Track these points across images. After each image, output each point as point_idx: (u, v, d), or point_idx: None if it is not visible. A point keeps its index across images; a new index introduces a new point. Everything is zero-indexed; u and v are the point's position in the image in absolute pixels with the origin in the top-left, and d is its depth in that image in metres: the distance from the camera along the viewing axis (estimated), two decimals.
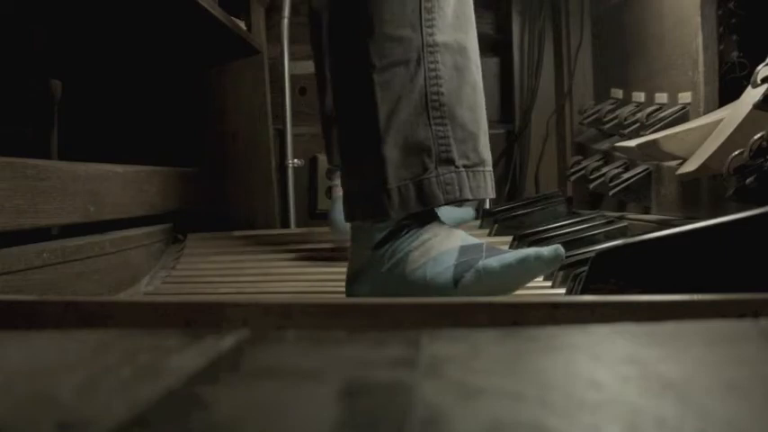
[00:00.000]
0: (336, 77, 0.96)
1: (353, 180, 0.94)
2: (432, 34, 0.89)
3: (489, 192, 0.93)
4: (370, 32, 0.89)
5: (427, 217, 0.92)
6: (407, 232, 0.91)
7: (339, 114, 0.96)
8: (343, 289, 1.04)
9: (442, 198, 0.89)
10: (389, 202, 0.89)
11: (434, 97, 0.89)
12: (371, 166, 0.90)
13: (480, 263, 0.84)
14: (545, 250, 0.84)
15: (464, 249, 0.88)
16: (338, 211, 1.19)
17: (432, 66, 0.89)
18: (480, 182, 0.91)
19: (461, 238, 0.90)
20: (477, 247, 0.88)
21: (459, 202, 0.92)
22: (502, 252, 0.86)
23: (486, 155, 0.94)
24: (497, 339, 0.41)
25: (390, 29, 0.89)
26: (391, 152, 0.89)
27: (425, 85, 0.89)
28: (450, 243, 0.89)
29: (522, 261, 0.83)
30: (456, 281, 0.85)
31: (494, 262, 0.84)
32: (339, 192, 1.26)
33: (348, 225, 0.98)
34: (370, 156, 0.90)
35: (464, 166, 0.90)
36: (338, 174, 1.34)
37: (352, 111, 0.93)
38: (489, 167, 0.94)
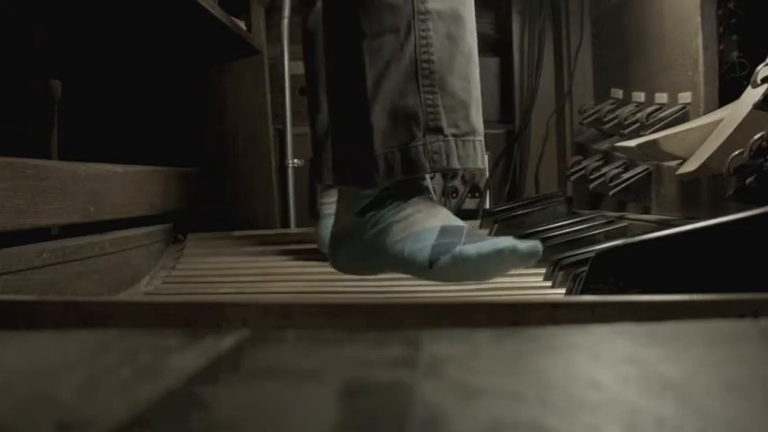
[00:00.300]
0: (327, 45, 0.96)
1: (341, 146, 0.93)
2: (423, 2, 0.88)
3: (478, 161, 0.91)
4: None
5: (413, 188, 0.91)
6: (392, 203, 0.90)
7: (329, 81, 0.96)
8: (344, 289, 1.04)
9: (428, 166, 0.88)
10: (375, 170, 0.88)
11: (424, 65, 0.88)
12: (358, 133, 0.89)
13: (458, 248, 0.84)
14: (522, 245, 0.84)
15: (445, 230, 0.87)
16: (325, 228, 1.20)
17: (423, 33, 0.88)
18: (470, 151, 0.90)
19: (445, 217, 0.89)
20: (459, 229, 0.87)
21: (450, 172, 0.92)
22: (481, 239, 0.86)
23: (478, 124, 0.92)
24: (497, 339, 0.41)
25: None
26: (378, 119, 0.88)
27: (415, 53, 0.88)
28: (432, 221, 0.88)
29: (499, 252, 0.83)
30: (431, 262, 0.85)
31: (471, 249, 0.83)
32: (327, 209, 1.26)
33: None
34: (357, 122, 0.89)
35: (453, 135, 0.89)
36: (329, 193, 1.33)
37: (341, 77, 0.93)
38: (480, 137, 0.92)
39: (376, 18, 0.88)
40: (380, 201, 0.90)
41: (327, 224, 1.13)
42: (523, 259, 0.84)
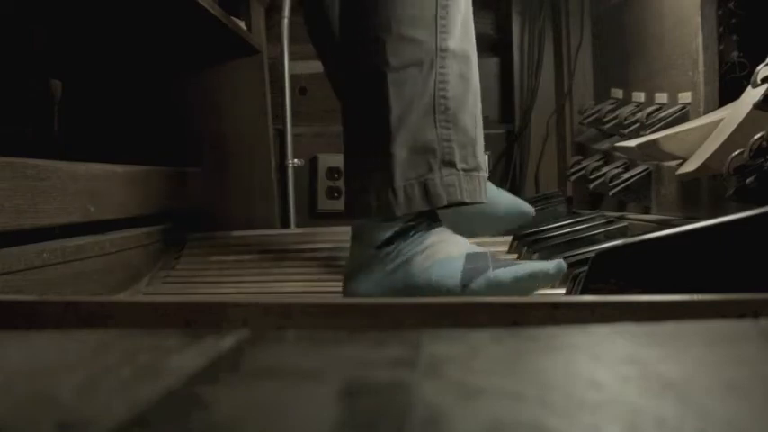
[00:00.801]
0: (348, 74, 0.97)
1: (358, 178, 0.94)
2: (444, 40, 0.91)
3: (482, 196, 0.95)
4: (387, 31, 0.90)
5: (433, 221, 0.93)
6: (414, 234, 0.92)
7: (347, 111, 0.97)
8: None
9: (445, 198, 0.91)
10: (395, 201, 0.90)
11: (442, 101, 0.91)
12: (379, 165, 0.91)
13: (491, 272, 0.86)
14: (551, 267, 0.87)
15: (470, 256, 0.90)
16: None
17: (442, 70, 0.91)
18: (476, 186, 0.93)
19: (467, 245, 0.92)
20: (483, 255, 0.90)
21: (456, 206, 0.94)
22: (508, 263, 0.88)
23: (482, 161, 0.96)
24: (497, 339, 0.41)
25: (407, 29, 0.90)
26: (400, 151, 0.90)
27: (435, 89, 0.91)
28: (456, 249, 0.91)
29: (532, 276, 0.86)
30: (464, 285, 0.86)
31: (504, 274, 0.86)
32: None
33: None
34: (378, 154, 0.91)
35: (463, 170, 0.92)
36: None
37: (363, 108, 0.95)
38: (485, 173, 0.96)
39: (401, 51, 0.91)
40: (400, 234, 0.92)
41: None
42: (553, 278, 0.88)
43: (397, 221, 0.92)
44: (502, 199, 1.26)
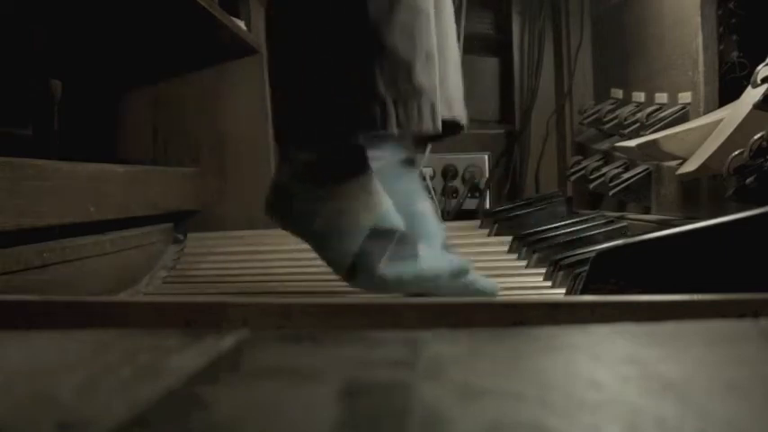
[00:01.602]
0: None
1: (281, 103, 0.90)
2: None
3: (425, 124, 0.85)
4: None
5: (353, 166, 0.87)
6: (328, 183, 0.86)
7: (273, 37, 0.93)
8: (344, 288, 1.04)
9: (362, 131, 0.84)
10: (310, 130, 0.85)
11: (358, 24, 0.83)
12: (298, 94, 0.86)
13: (377, 272, 0.83)
14: (447, 270, 0.85)
15: (374, 235, 0.84)
16: None
17: None
18: (412, 113, 0.84)
19: (377, 214, 0.85)
20: (388, 235, 0.84)
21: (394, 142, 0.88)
22: (406, 256, 0.84)
23: (423, 83, 0.85)
24: (497, 339, 0.41)
25: None
26: (316, 82, 0.85)
27: (350, 13, 0.83)
28: (361, 218, 0.84)
29: (418, 280, 0.83)
30: (349, 273, 0.84)
31: (390, 275, 0.83)
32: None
33: None
34: (297, 82, 0.86)
35: (392, 98, 0.83)
36: None
37: (286, 32, 0.90)
38: (429, 98, 0.86)
39: None
40: (321, 171, 0.86)
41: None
42: (448, 283, 0.85)
43: (316, 150, 0.86)
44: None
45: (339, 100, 0.84)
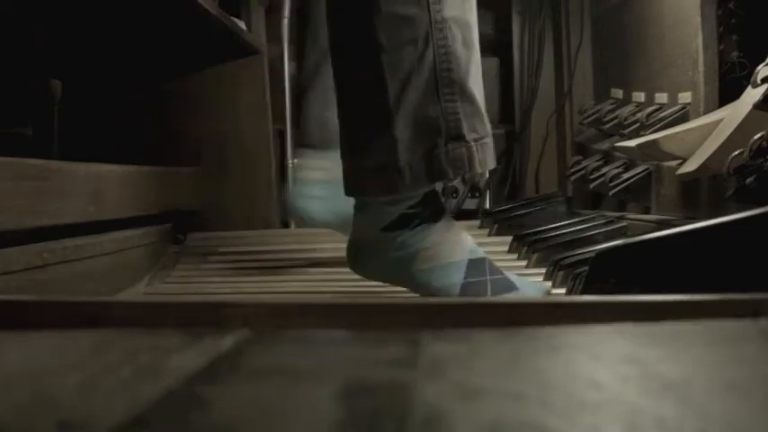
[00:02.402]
0: (340, 58, 0.96)
1: (360, 157, 0.93)
2: (439, 10, 0.89)
3: (493, 162, 0.94)
4: (377, 11, 0.88)
5: (436, 210, 0.93)
6: (419, 225, 0.92)
7: (344, 95, 0.96)
8: (344, 289, 1.04)
9: (451, 173, 0.90)
10: (400, 178, 0.89)
11: (444, 74, 0.89)
12: (381, 146, 0.90)
13: (488, 297, 0.88)
14: (539, 293, 0.92)
15: (472, 265, 0.91)
16: (301, 196, 1.20)
17: (441, 42, 0.89)
18: (487, 153, 0.93)
19: (469, 249, 0.93)
20: (482, 264, 0.92)
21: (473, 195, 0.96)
22: (505, 284, 0.92)
23: (489, 126, 0.95)
24: (497, 339, 0.41)
25: (397, 7, 0.88)
26: (402, 132, 0.89)
27: (435, 62, 0.89)
28: (458, 254, 0.92)
29: None
30: None
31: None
32: (309, 175, 1.23)
33: (313, 214, 1.02)
34: (378, 136, 0.90)
35: (474, 140, 0.91)
36: (309, 155, 1.26)
37: (360, 91, 0.93)
38: (491, 137, 0.95)
39: (393, 31, 0.89)
40: (405, 220, 0.92)
41: (304, 192, 1.16)
42: None
43: (401, 204, 0.91)
44: None
45: (429, 146, 0.89)
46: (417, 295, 0.93)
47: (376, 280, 0.99)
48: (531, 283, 0.98)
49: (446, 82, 0.89)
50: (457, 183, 1.99)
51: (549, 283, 0.99)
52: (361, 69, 0.92)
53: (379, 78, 0.89)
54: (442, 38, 0.89)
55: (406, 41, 0.88)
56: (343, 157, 0.96)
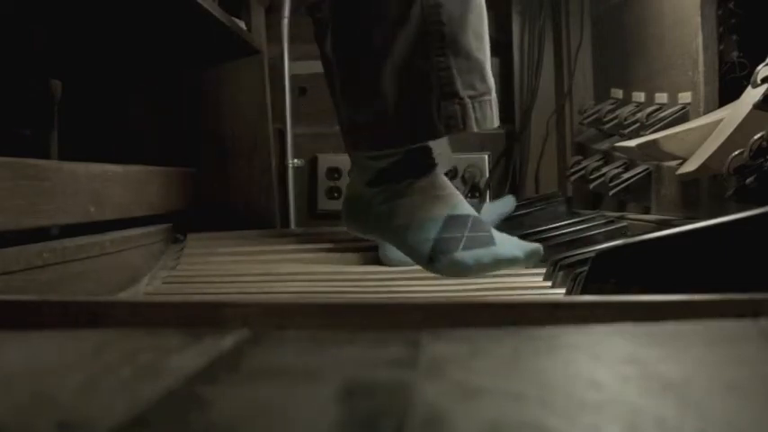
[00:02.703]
0: (332, 14, 0.93)
1: (354, 111, 0.91)
2: None
3: (494, 121, 0.90)
4: None
5: (424, 164, 0.89)
6: (402, 180, 0.88)
7: (336, 49, 0.93)
8: (344, 288, 1.04)
9: (443, 131, 0.87)
10: (390, 134, 0.87)
11: (434, 27, 0.85)
12: (371, 99, 0.87)
13: (458, 254, 0.84)
14: (521, 252, 0.86)
15: (449, 221, 0.87)
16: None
17: None
18: (486, 111, 0.88)
19: (451, 204, 0.88)
20: (463, 220, 0.87)
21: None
22: (483, 242, 0.86)
23: (492, 82, 0.90)
24: (497, 339, 0.41)
25: None
26: (389, 86, 0.86)
27: (423, 15, 0.85)
28: (438, 208, 0.87)
29: (496, 263, 0.85)
30: (431, 258, 0.86)
31: (469, 259, 0.84)
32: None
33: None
34: (368, 90, 0.87)
35: (469, 97, 0.87)
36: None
37: (349, 45, 0.91)
38: (494, 94, 0.91)
39: None
40: (391, 174, 0.89)
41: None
42: (524, 264, 0.86)
43: (384, 159, 0.88)
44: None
45: (419, 102, 0.86)
46: (418, 296, 0.93)
47: (363, 235, 0.97)
48: (514, 242, 0.90)
49: (437, 36, 0.85)
50: (457, 183, 1.99)
51: (539, 246, 0.92)
52: (348, 22, 0.89)
53: (366, 31, 0.86)
54: None
55: None
56: (337, 109, 0.94)
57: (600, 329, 0.43)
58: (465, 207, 0.89)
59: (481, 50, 0.89)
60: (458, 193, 0.91)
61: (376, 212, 0.90)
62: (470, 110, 0.87)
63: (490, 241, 0.87)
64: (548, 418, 0.28)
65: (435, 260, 0.85)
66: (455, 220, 0.87)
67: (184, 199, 1.53)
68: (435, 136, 0.88)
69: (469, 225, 0.87)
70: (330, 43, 0.94)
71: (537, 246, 0.88)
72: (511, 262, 0.85)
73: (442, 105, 0.85)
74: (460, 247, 0.85)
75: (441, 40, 0.85)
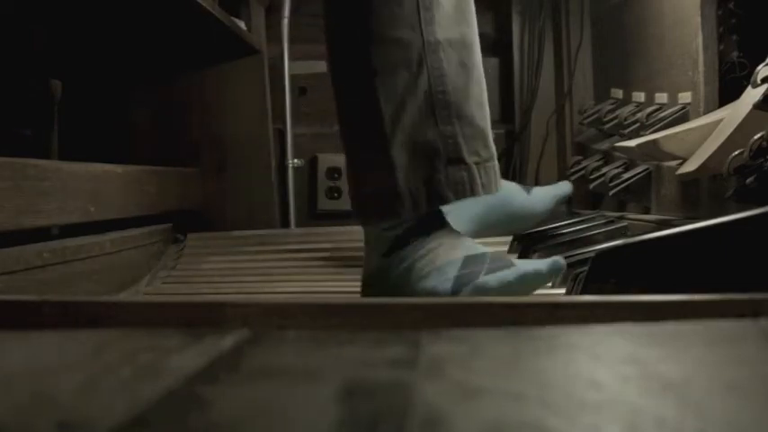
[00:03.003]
0: (337, 82, 0.95)
1: (362, 183, 0.93)
2: (432, 33, 0.88)
3: (498, 185, 0.93)
4: (370, 36, 0.88)
5: (435, 224, 0.92)
6: (415, 240, 0.90)
7: (342, 118, 0.95)
8: (344, 288, 1.04)
9: (451, 197, 0.89)
10: (401, 204, 0.88)
11: (440, 96, 0.88)
12: (379, 170, 0.89)
13: (480, 279, 0.85)
14: (543, 265, 0.86)
15: (468, 260, 0.88)
16: None
17: (435, 65, 0.88)
18: (491, 176, 0.91)
19: (467, 247, 0.90)
20: (481, 258, 0.88)
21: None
22: (503, 266, 0.87)
23: (494, 149, 0.93)
24: (497, 339, 0.41)
25: (389, 31, 0.87)
26: (399, 156, 0.88)
27: (430, 85, 0.88)
28: (454, 253, 0.89)
29: (521, 279, 0.85)
30: (454, 293, 0.86)
31: (492, 281, 0.85)
32: None
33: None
34: (377, 160, 0.89)
35: (475, 163, 0.89)
36: None
37: (356, 115, 0.93)
38: (496, 161, 0.94)
39: (387, 55, 0.88)
40: (403, 240, 0.91)
41: None
42: (547, 278, 0.87)
43: (398, 228, 0.90)
44: (516, 195, 1.26)
45: (428, 170, 0.88)
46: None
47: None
48: (535, 261, 0.92)
49: (442, 105, 0.88)
50: None
51: (560, 259, 0.91)
52: (357, 93, 0.91)
53: (374, 102, 0.88)
54: (437, 60, 0.88)
55: (399, 65, 0.87)
56: (350, 190, 0.95)
57: (600, 329, 0.43)
58: (479, 248, 0.91)
59: (483, 118, 0.92)
60: (469, 239, 0.93)
61: (394, 278, 0.91)
62: (476, 175, 0.89)
63: (508, 263, 0.88)
64: (548, 418, 0.28)
65: (459, 293, 0.86)
66: (473, 259, 0.88)
67: (184, 199, 1.53)
68: (444, 202, 0.90)
69: (488, 259, 0.88)
70: (337, 104, 0.96)
71: (558, 259, 0.88)
72: (535, 277, 0.86)
73: (450, 172, 0.88)
74: (482, 272, 0.86)
75: (447, 108, 0.88)
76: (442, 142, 0.88)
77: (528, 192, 1.28)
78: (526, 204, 1.27)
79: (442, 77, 0.88)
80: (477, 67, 0.92)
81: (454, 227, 0.93)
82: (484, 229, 1.22)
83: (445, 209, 0.94)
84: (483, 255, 0.89)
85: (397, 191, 0.88)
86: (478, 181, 0.89)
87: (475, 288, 0.85)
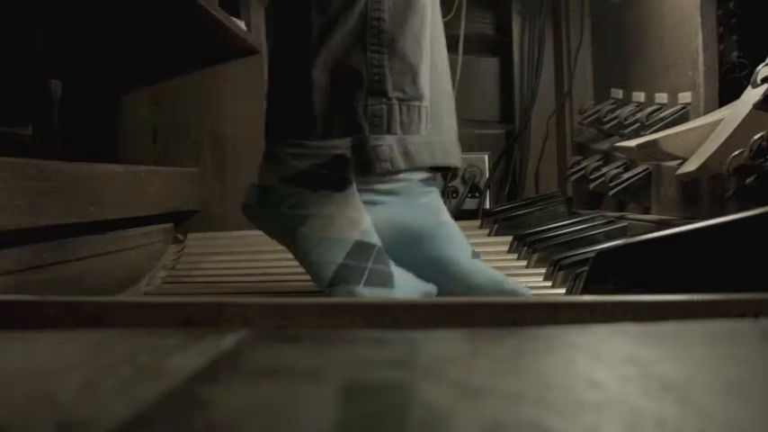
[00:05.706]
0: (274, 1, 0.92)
1: (279, 98, 0.89)
2: None
3: (422, 128, 0.88)
4: None
5: (343, 184, 0.87)
6: (320, 190, 0.86)
7: (271, 33, 0.92)
8: None
9: (367, 129, 0.85)
10: (310, 126, 0.85)
11: (374, 23, 0.84)
12: (297, 89, 0.85)
13: (357, 289, 0.83)
14: (417, 293, 0.84)
15: (357, 248, 0.85)
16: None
17: None
18: (414, 117, 0.86)
19: (362, 230, 0.86)
20: (369, 250, 0.85)
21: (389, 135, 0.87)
22: (382, 282, 0.84)
23: (424, 90, 0.88)
24: (497, 339, 0.41)
25: None
26: (319, 76, 0.84)
27: (366, 8, 0.84)
28: (348, 231, 0.85)
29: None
30: (331, 282, 0.84)
31: (367, 296, 0.82)
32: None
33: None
34: (297, 78, 0.86)
35: (398, 99, 0.85)
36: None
37: (285, 28, 0.89)
38: (426, 103, 0.88)
39: None
40: (308, 180, 0.86)
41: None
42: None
43: (307, 158, 0.86)
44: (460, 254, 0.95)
45: (347, 97, 0.84)
46: (417, 296, 0.92)
47: (261, 230, 0.93)
48: (412, 283, 0.87)
49: (374, 32, 0.84)
50: (457, 183, 1.99)
51: (434, 287, 0.87)
52: (289, 8, 0.87)
53: (306, 13, 0.84)
54: None
55: None
56: (266, 102, 0.91)
57: (600, 329, 0.43)
58: (373, 236, 0.87)
59: (417, 55, 0.86)
60: (368, 218, 0.87)
61: (283, 214, 0.87)
62: (397, 112, 0.85)
63: (389, 281, 0.85)
64: (548, 418, 0.28)
65: (335, 285, 0.83)
66: (362, 248, 0.84)
67: (184, 199, 1.53)
68: (358, 133, 0.85)
69: (374, 256, 0.85)
70: (267, 30, 0.92)
71: (431, 288, 0.86)
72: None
73: (369, 102, 0.84)
74: (362, 281, 0.83)
75: (377, 36, 0.84)
76: (366, 71, 0.84)
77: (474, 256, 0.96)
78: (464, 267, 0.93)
79: (380, 3, 0.84)
80: (422, 3, 0.87)
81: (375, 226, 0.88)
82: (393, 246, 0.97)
83: (370, 205, 0.89)
84: (371, 246, 0.85)
85: (312, 110, 0.84)
86: (397, 118, 0.85)
87: (348, 293, 0.82)
